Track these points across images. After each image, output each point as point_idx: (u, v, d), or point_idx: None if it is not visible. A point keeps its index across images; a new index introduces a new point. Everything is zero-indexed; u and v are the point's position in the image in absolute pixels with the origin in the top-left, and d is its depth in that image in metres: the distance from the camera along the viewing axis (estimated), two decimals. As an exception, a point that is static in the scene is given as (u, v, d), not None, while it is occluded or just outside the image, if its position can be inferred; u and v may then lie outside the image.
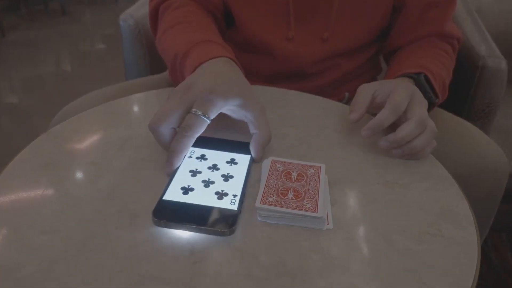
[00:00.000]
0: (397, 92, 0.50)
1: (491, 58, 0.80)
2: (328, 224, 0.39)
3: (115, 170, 0.44)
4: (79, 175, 0.43)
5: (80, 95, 0.70)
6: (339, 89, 0.78)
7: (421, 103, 0.50)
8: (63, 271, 0.33)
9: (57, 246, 0.35)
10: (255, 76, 0.75)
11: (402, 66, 0.63)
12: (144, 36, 0.92)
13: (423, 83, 0.59)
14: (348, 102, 0.80)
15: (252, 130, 0.47)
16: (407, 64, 0.63)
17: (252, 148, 0.47)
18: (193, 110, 0.43)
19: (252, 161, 0.46)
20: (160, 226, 0.36)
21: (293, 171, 0.44)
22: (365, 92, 0.53)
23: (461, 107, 0.84)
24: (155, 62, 0.95)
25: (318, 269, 0.35)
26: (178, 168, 0.43)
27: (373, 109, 0.53)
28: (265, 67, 0.73)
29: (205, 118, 0.43)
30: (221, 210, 0.38)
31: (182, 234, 0.37)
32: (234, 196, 0.40)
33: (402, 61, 0.66)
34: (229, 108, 0.46)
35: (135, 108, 0.59)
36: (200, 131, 0.43)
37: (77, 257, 0.34)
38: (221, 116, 0.47)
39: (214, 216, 0.37)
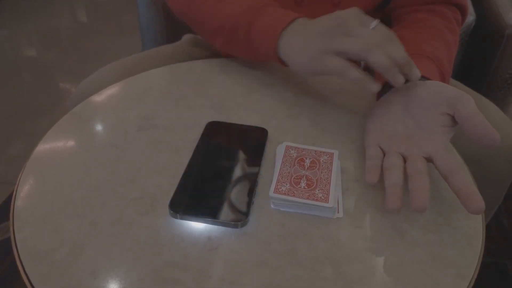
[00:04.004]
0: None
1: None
2: (338, 212, 0.41)
3: (135, 153, 0.46)
4: (101, 158, 0.46)
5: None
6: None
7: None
8: (92, 256, 0.36)
9: (85, 231, 0.38)
10: None
11: None
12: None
13: None
14: (363, 69, 0.79)
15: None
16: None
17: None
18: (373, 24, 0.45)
19: (266, 145, 0.47)
20: (176, 218, 0.39)
21: (306, 158, 0.45)
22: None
23: (483, 76, 0.82)
24: (172, 28, 0.94)
25: (327, 258, 0.37)
26: (193, 153, 0.44)
27: None
28: None
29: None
30: (234, 202, 0.40)
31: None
32: (248, 186, 0.41)
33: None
34: None
35: (153, 85, 0.59)
36: None
37: (104, 242, 0.37)
38: None
39: (227, 209, 0.39)
